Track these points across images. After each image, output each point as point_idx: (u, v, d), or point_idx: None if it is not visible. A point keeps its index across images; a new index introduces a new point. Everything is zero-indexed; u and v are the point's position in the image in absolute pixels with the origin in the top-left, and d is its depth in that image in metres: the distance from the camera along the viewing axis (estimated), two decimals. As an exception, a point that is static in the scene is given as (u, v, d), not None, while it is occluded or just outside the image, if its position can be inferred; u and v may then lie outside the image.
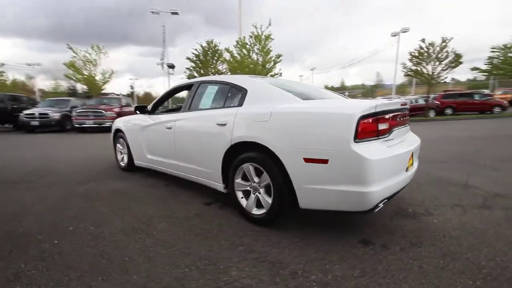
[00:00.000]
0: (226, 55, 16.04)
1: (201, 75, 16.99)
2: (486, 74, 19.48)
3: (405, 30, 21.40)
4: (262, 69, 13.42)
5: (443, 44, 14.29)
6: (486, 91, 23.52)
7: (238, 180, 2.49)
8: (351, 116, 1.80)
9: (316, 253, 1.92)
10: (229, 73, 15.66)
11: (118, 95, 18.55)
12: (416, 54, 15.23)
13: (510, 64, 15.33)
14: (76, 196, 3.22)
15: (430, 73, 15.24)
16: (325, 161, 1.89)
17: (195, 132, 2.87)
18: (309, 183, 1.98)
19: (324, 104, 2.15)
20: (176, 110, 3.97)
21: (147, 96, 68.48)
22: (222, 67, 17.38)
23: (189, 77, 17.08)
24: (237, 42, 13.47)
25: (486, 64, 16.51)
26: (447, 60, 14.50)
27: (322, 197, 1.96)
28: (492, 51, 16.47)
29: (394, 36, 22.29)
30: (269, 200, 2.25)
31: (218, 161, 2.61)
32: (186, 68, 17.57)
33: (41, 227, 2.38)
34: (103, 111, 11.65)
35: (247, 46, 13.38)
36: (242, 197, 2.51)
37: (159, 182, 3.72)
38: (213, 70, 16.92)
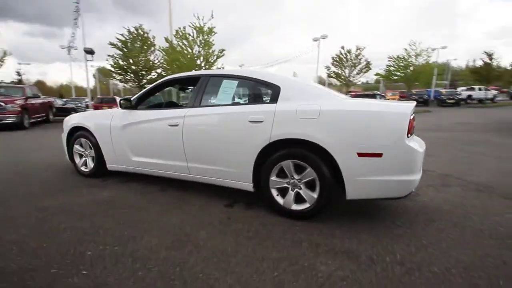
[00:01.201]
0: (158, 44, 14.81)
1: (128, 64, 15.16)
2: (384, 78, 23.98)
3: (324, 37, 24.17)
4: (206, 63, 12.94)
5: (358, 51, 16.89)
6: (378, 93, 29.07)
7: (273, 178, 2.47)
8: (405, 115, 2.07)
9: (371, 238, 2.13)
10: (165, 63, 14.50)
11: (17, 82, 14.70)
12: (337, 59, 17.55)
13: (401, 71, 19.36)
14: (55, 213, 2.53)
15: (347, 76, 17.84)
16: (379, 155, 2.10)
17: (217, 130, 2.65)
18: (361, 176, 2.16)
19: (373, 103, 2.35)
20: (171, 105, 3.57)
21: (41, 85, 56.27)
22: (153, 57, 15.93)
23: (114, 65, 14.97)
24: (177, 32, 12.53)
25: (385, 70, 20.38)
26: (360, 66, 17.26)
27: (373, 187, 2.17)
28: (389, 60, 20.46)
29: (315, 41, 24.94)
30: (314, 195, 2.32)
31: (250, 159, 2.51)
32: (109, 56, 15.35)
33: (47, 263, 1.82)
34: (2, 104, 9.06)
35: (190, 37, 12.62)
36: (277, 195, 2.50)
37: (151, 188, 3.26)
38: (143, 60, 15.33)
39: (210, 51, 12.83)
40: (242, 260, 1.81)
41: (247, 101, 2.62)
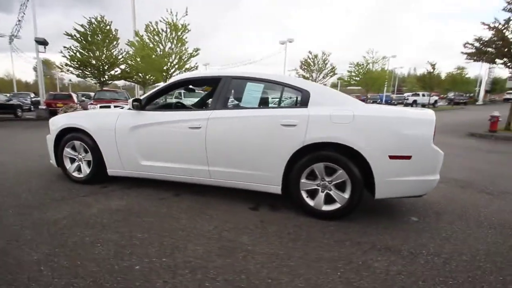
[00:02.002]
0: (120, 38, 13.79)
1: (88, 57, 13.85)
2: (346, 83, 25.66)
3: (290, 40, 24.99)
4: (179, 61, 12.41)
5: (324, 57, 17.83)
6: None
7: (303, 180, 2.54)
8: (432, 121, 2.30)
9: (399, 233, 2.32)
10: (131, 59, 13.55)
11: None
12: (305, 63, 18.30)
13: (361, 76, 20.95)
14: (69, 225, 2.25)
15: (314, 79, 18.70)
16: (408, 157, 2.30)
17: (246, 133, 2.61)
18: (391, 176, 2.34)
19: (401, 110, 2.54)
20: (182, 107, 3.40)
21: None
22: (117, 51, 14.78)
23: (71, 58, 13.53)
24: (147, 26, 11.79)
25: (347, 76, 21.87)
26: (326, 71, 18.24)
27: (400, 187, 2.37)
28: (350, 66, 22.02)
29: (282, 44, 25.66)
30: (345, 195, 2.45)
31: (281, 162, 2.54)
32: (65, 48, 13.85)
33: (95, 282, 1.62)
34: None
35: (163, 33, 11.97)
36: (307, 197, 2.57)
37: (163, 193, 3.07)
38: (105, 54, 14.13)
39: (183, 49, 12.37)
40: (300, 263, 1.84)
41: (278, 105, 2.63)
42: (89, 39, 13.59)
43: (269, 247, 2.03)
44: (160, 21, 11.87)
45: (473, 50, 11.00)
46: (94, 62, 14.04)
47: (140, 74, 18.39)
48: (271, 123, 2.55)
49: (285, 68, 26.51)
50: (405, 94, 38.01)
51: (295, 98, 2.67)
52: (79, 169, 3.35)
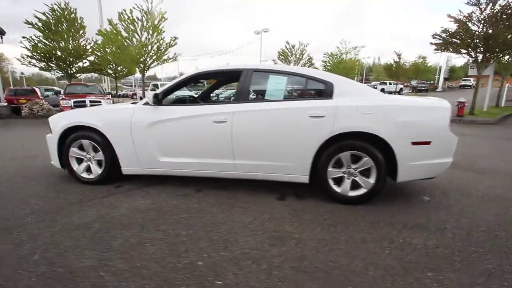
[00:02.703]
0: (89, 28, 12.76)
1: (53, 48, 12.67)
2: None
3: (266, 30, 24.89)
4: (157, 51, 11.79)
5: (302, 47, 18.05)
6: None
7: (330, 169, 2.66)
8: (448, 109, 2.52)
9: (420, 212, 2.54)
10: (102, 50, 12.63)
11: None
12: (283, 53, 18.39)
13: (335, 66, 21.60)
14: (104, 228, 2.15)
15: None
16: (428, 143, 2.50)
17: (274, 126, 2.65)
18: (413, 161, 2.54)
19: (420, 100, 2.72)
20: (197, 101, 3.32)
21: None
22: (85, 42, 13.67)
23: (33, 49, 12.27)
24: (121, 14, 11.00)
25: (322, 66, 22.41)
26: (303, 61, 18.51)
27: (420, 170, 2.58)
28: (324, 56, 22.56)
29: (257, 34, 25.48)
30: (371, 181, 2.61)
31: (309, 153, 2.63)
32: (24, 37, 12.51)
33: (166, 281, 1.60)
34: None
35: (139, 22, 11.24)
36: (334, 184, 2.70)
37: (185, 190, 3.02)
38: (71, 45, 13.01)
39: (160, 38, 11.77)
40: (349, 245, 1.97)
41: (303, 97, 2.68)
42: (53, 28, 12.38)
43: (313, 233, 2.13)
44: (134, 8, 11.14)
45: (441, 41, 11.86)
46: (59, 53, 12.88)
47: (111, 66, 17.39)
48: (299, 115, 2.61)
49: (260, 58, 26.49)
50: (373, 83, 39.93)
51: (319, 90, 2.74)
52: (88, 169, 3.17)
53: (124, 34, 11.35)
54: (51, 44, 12.75)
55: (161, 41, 11.89)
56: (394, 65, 30.05)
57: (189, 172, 2.96)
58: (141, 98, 16.72)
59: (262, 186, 3.07)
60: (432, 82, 43.75)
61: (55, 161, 3.24)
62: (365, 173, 2.64)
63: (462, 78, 43.02)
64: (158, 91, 2.93)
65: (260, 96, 2.87)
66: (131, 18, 11.06)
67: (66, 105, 9.82)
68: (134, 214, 2.40)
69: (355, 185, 2.68)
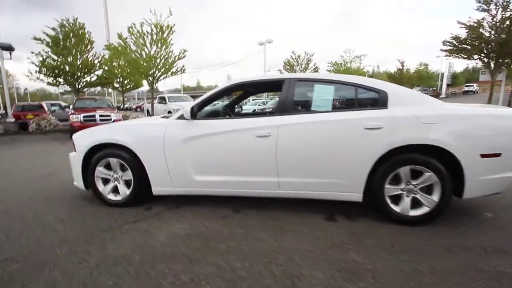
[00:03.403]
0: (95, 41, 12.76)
1: (61, 63, 12.67)
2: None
3: (269, 41, 25.06)
4: (165, 63, 11.74)
5: (307, 56, 18.06)
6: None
7: (388, 186, 2.41)
8: None
9: (492, 231, 2.27)
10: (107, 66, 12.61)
11: None
12: (288, 63, 18.40)
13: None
14: (148, 260, 1.88)
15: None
16: (498, 155, 2.25)
17: (325, 139, 2.41)
18: (481, 175, 2.28)
19: (487, 108, 2.49)
20: (225, 113, 3.10)
21: None
22: (92, 56, 13.70)
23: (42, 65, 12.27)
24: (130, 28, 11.00)
25: (327, 75, 22.36)
26: (309, 70, 18.48)
27: (489, 184, 2.32)
28: (329, 65, 22.59)
29: (261, 45, 25.67)
30: (434, 198, 2.35)
31: (364, 168, 2.38)
32: (32, 53, 12.55)
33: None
34: None
35: (148, 36, 11.24)
36: (391, 202, 2.44)
37: (221, 211, 2.76)
38: (78, 59, 13.02)
39: (169, 51, 11.74)
40: (435, 278, 1.69)
41: (353, 107, 2.46)
42: (61, 43, 12.42)
43: (387, 263, 1.86)
44: (144, 23, 11.16)
45: (451, 48, 11.79)
46: (68, 68, 12.86)
47: (118, 80, 17.41)
48: (352, 127, 2.38)
49: (264, 69, 26.58)
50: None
51: (371, 100, 2.52)
52: (115, 190, 2.92)
53: (133, 47, 11.32)
54: (59, 59, 12.76)
55: (170, 54, 11.85)
56: (398, 73, 30.11)
57: (227, 192, 2.71)
58: (148, 112, 16.76)
59: (304, 205, 2.81)
60: (434, 88, 43.74)
61: (78, 182, 3.00)
62: (428, 189, 2.38)
63: (464, 84, 43.02)
64: (192, 104, 2.72)
65: (306, 107, 2.65)
66: (140, 31, 11.06)
67: (75, 120, 9.66)
68: (175, 242, 2.14)
69: (414, 203, 2.42)
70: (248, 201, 2.92)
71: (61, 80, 13.37)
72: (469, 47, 11.34)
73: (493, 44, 10.18)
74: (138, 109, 30.74)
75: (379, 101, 2.45)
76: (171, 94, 19.77)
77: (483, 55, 10.79)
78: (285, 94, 2.59)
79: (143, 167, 2.77)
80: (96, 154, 2.87)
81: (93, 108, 10.71)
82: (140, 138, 2.76)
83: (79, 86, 13.87)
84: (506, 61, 10.52)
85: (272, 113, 2.81)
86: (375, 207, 2.51)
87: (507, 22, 10.32)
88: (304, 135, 2.46)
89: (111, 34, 15.81)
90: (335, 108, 2.53)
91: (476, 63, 11.51)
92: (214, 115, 3.05)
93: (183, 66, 12.48)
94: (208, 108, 3.10)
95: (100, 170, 2.89)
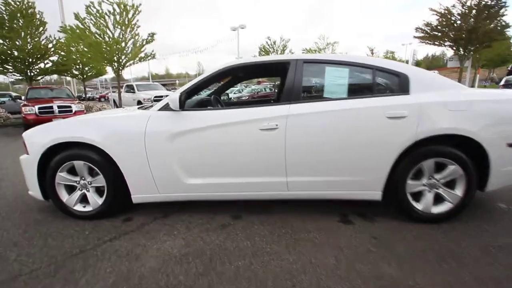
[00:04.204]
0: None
1: (8, 47, 10.96)
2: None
3: (242, 26, 24.13)
4: (133, 48, 10.59)
5: (283, 42, 17.62)
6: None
7: (409, 181, 2.15)
8: None
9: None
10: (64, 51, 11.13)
11: None
12: (264, 49, 17.84)
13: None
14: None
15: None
16: (525, 143, 2.07)
17: (342, 130, 2.06)
18: (507, 166, 2.09)
19: (509, 91, 2.27)
20: (217, 102, 2.64)
21: None
22: (46, 40, 12.03)
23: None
24: (88, 8, 9.64)
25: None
26: (285, 57, 18.12)
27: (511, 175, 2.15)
28: (303, 52, 22.35)
29: (234, 30, 24.65)
30: (458, 193, 2.13)
31: (386, 163, 2.09)
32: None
33: None
34: None
35: (110, 16, 9.95)
36: (412, 200, 2.19)
37: (218, 219, 2.34)
38: (29, 43, 11.37)
39: (135, 34, 10.58)
40: (491, 292, 1.46)
41: (372, 93, 2.13)
42: (7, 24, 10.68)
43: (428, 276, 1.59)
44: (103, 1, 9.86)
45: (423, 34, 12.05)
46: (17, 53, 11.19)
47: (78, 67, 15.66)
48: (373, 116, 2.05)
49: (238, 55, 25.69)
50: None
51: (390, 84, 2.21)
52: (83, 199, 2.36)
53: (94, 30, 10.03)
54: (6, 43, 11.03)
55: (137, 37, 10.72)
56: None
57: (225, 196, 2.29)
58: (114, 102, 15.37)
59: (312, 206, 2.48)
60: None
61: (34, 191, 2.38)
62: (451, 184, 2.16)
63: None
64: (179, 91, 2.21)
65: (317, 94, 2.27)
66: (100, 11, 9.79)
67: (29, 112, 8.43)
68: (170, 268, 1.69)
69: (437, 199, 2.20)
70: (249, 204, 2.53)
71: (9, 67, 11.64)
72: (439, 34, 11.67)
73: (463, 31, 10.58)
74: (103, 99, 28.50)
75: (400, 85, 2.14)
76: (140, 82, 18.37)
77: (452, 42, 11.18)
78: (292, 78, 2.19)
79: (119, 170, 2.24)
80: (56, 157, 2.28)
81: (49, 99, 9.45)
82: (114, 134, 2.21)
83: (32, 74, 12.21)
84: (475, 48, 11.01)
85: (276, 101, 2.40)
86: (395, 206, 2.26)
87: (473, 11, 10.70)
88: (317, 126, 2.09)
89: (67, 16, 14.03)
90: (350, 94, 2.19)
91: (447, 49, 11.92)
92: (204, 105, 2.56)
93: (153, 51, 11.41)
94: (196, 97, 2.61)
95: (62, 176, 2.30)
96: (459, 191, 2.14)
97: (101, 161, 2.24)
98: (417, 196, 2.20)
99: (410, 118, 2.02)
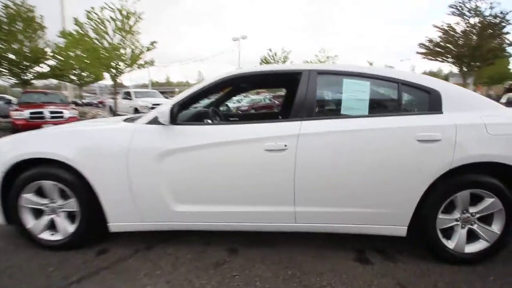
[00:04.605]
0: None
1: (4, 50, 10.70)
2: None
3: (244, 37, 24.27)
4: (132, 55, 10.35)
5: (284, 54, 17.59)
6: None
7: (441, 216, 1.81)
8: None
9: None
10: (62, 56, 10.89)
11: None
12: (265, 60, 17.77)
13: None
14: None
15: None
16: None
17: (363, 154, 1.73)
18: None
19: None
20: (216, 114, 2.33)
21: None
22: (43, 43, 11.83)
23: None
24: (89, 13, 9.45)
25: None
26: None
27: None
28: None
29: (235, 40, 24.77)
30: (496, 229, 1.80)
31: (414, 194, 1.76)
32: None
33: None
34: None
35: (111, 22, 9.76)
36: (443, 237, 1.85)
37: (210, 253, 1.97)
38: (27, 47, 11.14)
39: (135, 41, 10.39)
40: None
41: (397, 110, 1.83)
42: (5, 27, 10.45)
43: None
44: (105, 8, 9.70)
45: (426, 50, 12.00)
46: (12, 56, 10.92)
47: (75, 72, 15.41)
48: (401, 138, 1.73)
49: (239, 66, 25.72)
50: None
51: (419, 101, 1.91)
52: (51, 225, 1.99)
53: (93, 35, 9.81)
54: (3, 46, 10.76)
55: (137, 44, 10.52)
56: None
57: (221, 226, 1.93)
58: (111, 108, 15.04)
59: (320, 238, 2.12)
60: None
61: (-5, 215, 2.01)
62: (486, 219, 1.82)
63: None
64: (172, 102, 1.88)
65: (333, 110, 1.96)
66: (101, 17, 9.60)
67: (19, 117, 8.06)
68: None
69: (470, 237, 1.85)
70: (248, 234, 2.16)
71: (4, 70, 11.34)
72: (442, 51, 11.61)
73: (465, 48, 10.51)
74: (100, 105, 28.22)
75: (430, 103, 1.83)
76: (138, 89, 18.16)
77: (455, 59, 11.10)
78: (304, 91, 1.87)
79: (94, 193, 1.88)
80: (22, 175, 1.91)
81: (42, 104, 9.11)
82: (90, 150, 1.86)
83: (27, 78, 11.93)
84: (478, 64, 10.92)
85: (284, 116, 2.08)
86: (423, 243, 1.91)
87: (477, 29, 10.67)
88: (333, 148, 1.76)
89: (68, 22, 13.91)
90: (372, 112, 1.87)
91: (450, 66, 11.85)
92: (201, 118, 2.22)
93: (152, 58, 11.19)
94: (191, 109, 2.29)
95: (27, 198, 1.93)
96: (496, 228, 1.80)
97: (74, 181, 1.88)
98: (447, 232, 1.87)
99: (445, 141, 1.70)
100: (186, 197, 1.87)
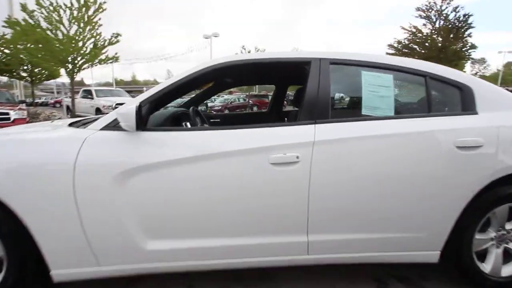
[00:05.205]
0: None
1: None
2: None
3: (216, 35, 23.43)
4: (93, 49, 9.22)
5: (258, 52, 17.22)
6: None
7: (477, 236, 1.52)
8: None
9: None
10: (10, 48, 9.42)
11: None
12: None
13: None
14: None
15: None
16: None
17: (394, 165, 1.37)
18: None
19: None
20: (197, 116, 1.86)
21: None
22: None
23: None
24: (38, 1, 8.18)
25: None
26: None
27: None
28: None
29: (207, 38, 23.86)
30: (536, 250, 1.55)
31: (452, 211, 1.44)
32: None
33: None
34: None
35: (66, 10, 8.55)
36: (477, 260, 1.56)
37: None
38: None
39: (96, 33, 9.28)
40: None
41: (426, 110, 1.50)
42: None
43: None
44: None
45: (395, 52, 12.39)
46: None
47: (26, 67, 13.59)
48: (437, 145, 1.40)
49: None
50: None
51: (449, 99, 1.60)
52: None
53: (45, 25, 8.58)
54: None
55: (98, 37, 9.43)
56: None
57: (212, 266, 1.45)
58: (68, 108, 13.54)
59: (329, 269, 1.74)
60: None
61: None
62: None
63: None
64: (138, 99, 1.37)
65: (351, 110, 1.58)
66: (54, 4, 8.41)
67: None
68: None
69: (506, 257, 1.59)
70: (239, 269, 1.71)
71: None
72: (409, 52, 12.07)
73: (432, 49, 10.99)
74: (57, 105, 25.70)
75: (462, 101, 1.53)
76: (100, 87, 16.70)
77: (422, 59, 11.59)
78: (315, 86, 1.46)
79: (27, 231, 1.31)
80: None
81: (-19, 104, 7.77)
82: (17, 170, 1.28)
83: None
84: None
85: (292, 117, 1.66)
86: (455, 268, 1.61)
87: (441, 31, 11.20)
88: (357, 159, 1.38)
89: (16, 9, 12.21)
90: (398, 112, 1.52)
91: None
92: (178, 121, 1.70)
93: (116, 54, 10.13)
94: (164, 110, 1.77)
95: None
96: (536, 247, 1.56)
97: (11, 222, 1.29)
98: (480, 253, 1.59)
99: (487, 148, 1.40)
100: (162, 230, 1.37)
